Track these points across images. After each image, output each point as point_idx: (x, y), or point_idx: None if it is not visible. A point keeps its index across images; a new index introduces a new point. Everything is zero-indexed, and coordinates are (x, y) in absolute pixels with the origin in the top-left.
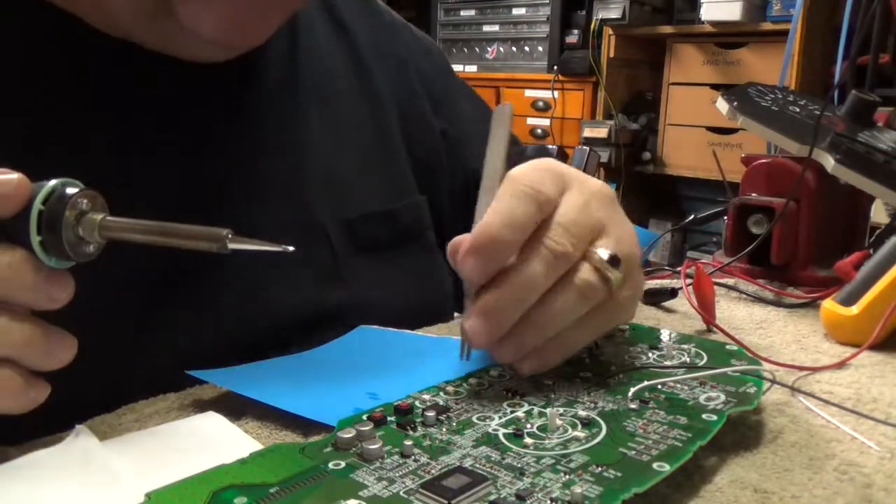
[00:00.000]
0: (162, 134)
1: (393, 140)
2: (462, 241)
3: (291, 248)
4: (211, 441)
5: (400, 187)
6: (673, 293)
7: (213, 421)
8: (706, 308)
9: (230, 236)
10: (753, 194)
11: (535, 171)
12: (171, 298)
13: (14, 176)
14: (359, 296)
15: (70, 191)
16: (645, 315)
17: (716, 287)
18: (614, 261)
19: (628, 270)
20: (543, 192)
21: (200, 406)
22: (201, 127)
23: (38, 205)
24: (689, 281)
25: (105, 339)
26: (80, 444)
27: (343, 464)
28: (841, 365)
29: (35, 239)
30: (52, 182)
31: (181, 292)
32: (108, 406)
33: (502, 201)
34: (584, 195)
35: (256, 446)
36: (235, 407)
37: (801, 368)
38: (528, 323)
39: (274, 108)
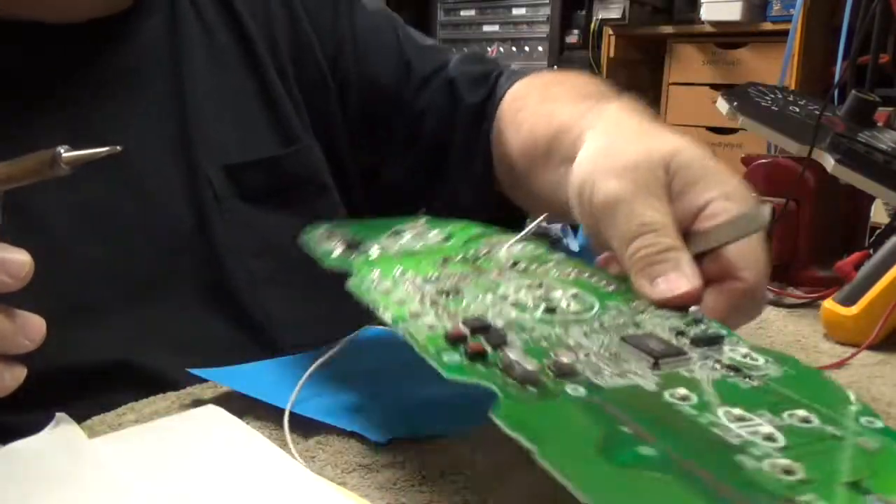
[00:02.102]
0: (42, 94)
1: (276, 91)
2: None
3: (119, 148)
4: (212, 434)
5: (285, 135)
6: None
7: (214, 414)
8: None
9: (63, 154)
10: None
11: None
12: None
13: None
14: (248, 239)
15: None
16: None
17: None
18: None
19: None
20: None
21: (201, 406)
22: (80, 83)
23: None
24: None
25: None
26: (63, 434)
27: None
28: (840, 365)
29: None
30: None
31: (89, 230)
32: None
33: None
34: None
35: (260, 439)
36: (236, 406)
37: None
38: None
39: (156, 63)
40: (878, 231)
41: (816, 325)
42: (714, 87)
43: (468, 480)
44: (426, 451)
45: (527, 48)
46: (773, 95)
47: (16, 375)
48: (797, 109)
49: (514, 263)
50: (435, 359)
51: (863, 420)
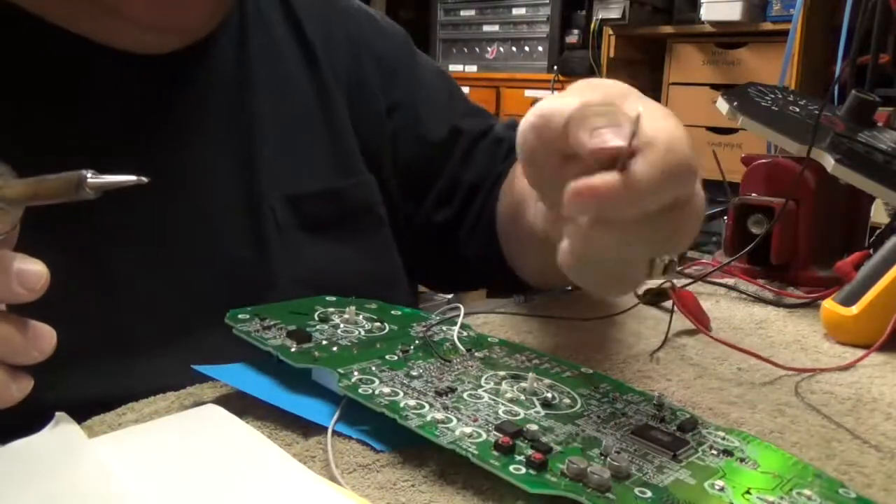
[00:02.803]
0: (109, 125)
1: (341, 122)
2: None
3: (145, 179)
4: (212, 433)
5: (347, 167)
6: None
7: (214, 413)
8: (698, 319)
9: (89, 178)
10: (753, 194)
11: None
12: (133, 264)
13: None
14: (306, 268)
15: None
16: (644, 315)
17: (716, 287)
18: None
19: None
20: None
21: (201, 405)
22: (147, 116)
23: None
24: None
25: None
26: (63, 434)
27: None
28: (847, 368)
29: None
30: None
31: (137, 257)
32: (107, 405)
33: None
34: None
35: (260, 439)
36: (236, 406)
37: (802, 370)
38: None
39: (224, 95)
40: (878, 231)
41: (816, 325)
42: (714, 87)
43: (468, 480)
44: (426, 451)
45: (527, 48)
46: (773, 95)
47: (22, 387)
48: (797, 109)
49: (468, 350)
50: (503, 472)
51: (840, 491)
